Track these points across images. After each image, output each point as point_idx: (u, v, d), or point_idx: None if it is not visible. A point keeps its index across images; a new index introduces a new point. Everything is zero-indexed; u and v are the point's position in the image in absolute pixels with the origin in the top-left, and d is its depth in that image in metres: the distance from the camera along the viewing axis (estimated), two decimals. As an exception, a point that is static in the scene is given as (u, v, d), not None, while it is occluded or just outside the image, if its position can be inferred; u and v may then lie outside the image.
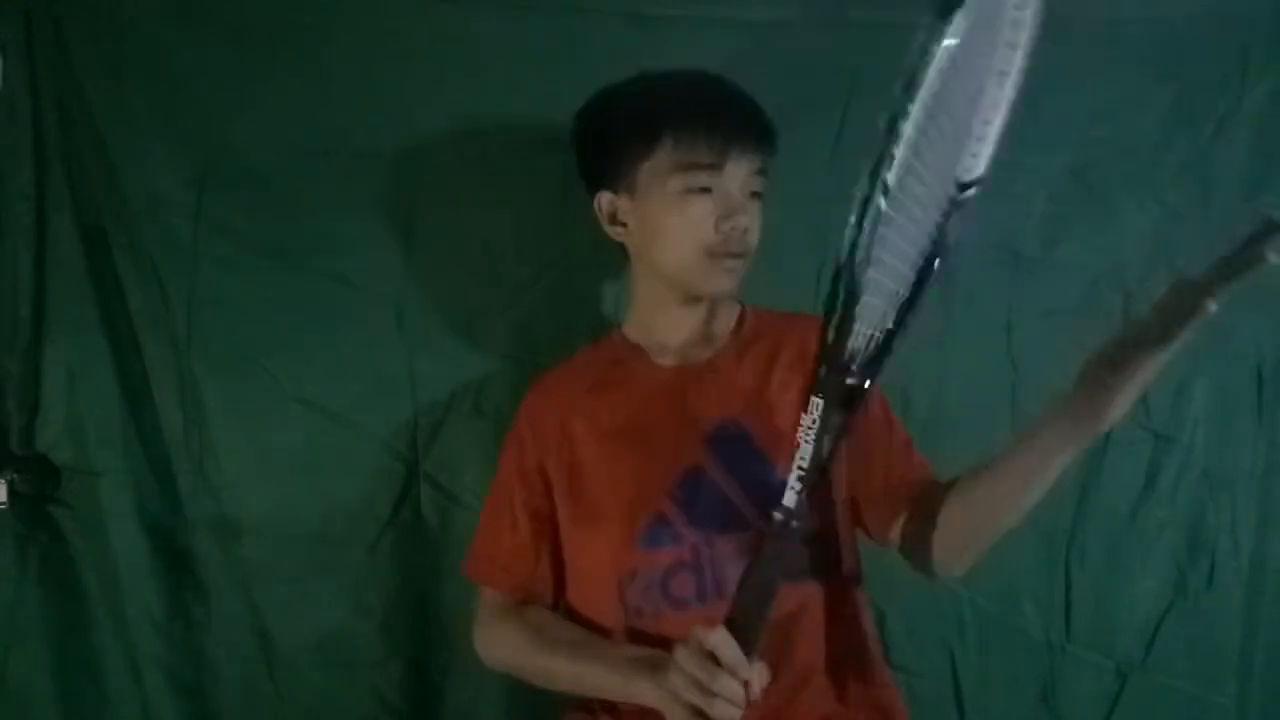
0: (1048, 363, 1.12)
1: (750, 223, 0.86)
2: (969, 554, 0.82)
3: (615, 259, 1.10)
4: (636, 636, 0.85)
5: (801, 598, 0.84)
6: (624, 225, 0.91)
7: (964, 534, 0.80)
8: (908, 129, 0.61)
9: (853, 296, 0.66)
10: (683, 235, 0.86)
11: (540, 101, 1.08)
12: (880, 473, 0.87)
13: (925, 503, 0.82)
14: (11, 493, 1.04)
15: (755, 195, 0.87)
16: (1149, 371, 0.61)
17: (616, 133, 0.89)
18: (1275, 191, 1.14)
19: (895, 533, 0.86)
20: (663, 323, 0.94)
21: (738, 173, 0.85)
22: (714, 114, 0.85)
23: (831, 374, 0.69)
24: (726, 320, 0.95)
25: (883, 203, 0.63)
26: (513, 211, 1.11)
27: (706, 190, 0.85)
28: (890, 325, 0.67)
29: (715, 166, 0.84)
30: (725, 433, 0.87)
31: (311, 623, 1.08)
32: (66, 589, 1.07)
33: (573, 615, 0.92)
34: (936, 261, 0.66)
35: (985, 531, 0.79)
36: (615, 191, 0.90)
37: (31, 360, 1.06)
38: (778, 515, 0.70)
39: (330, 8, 1.08)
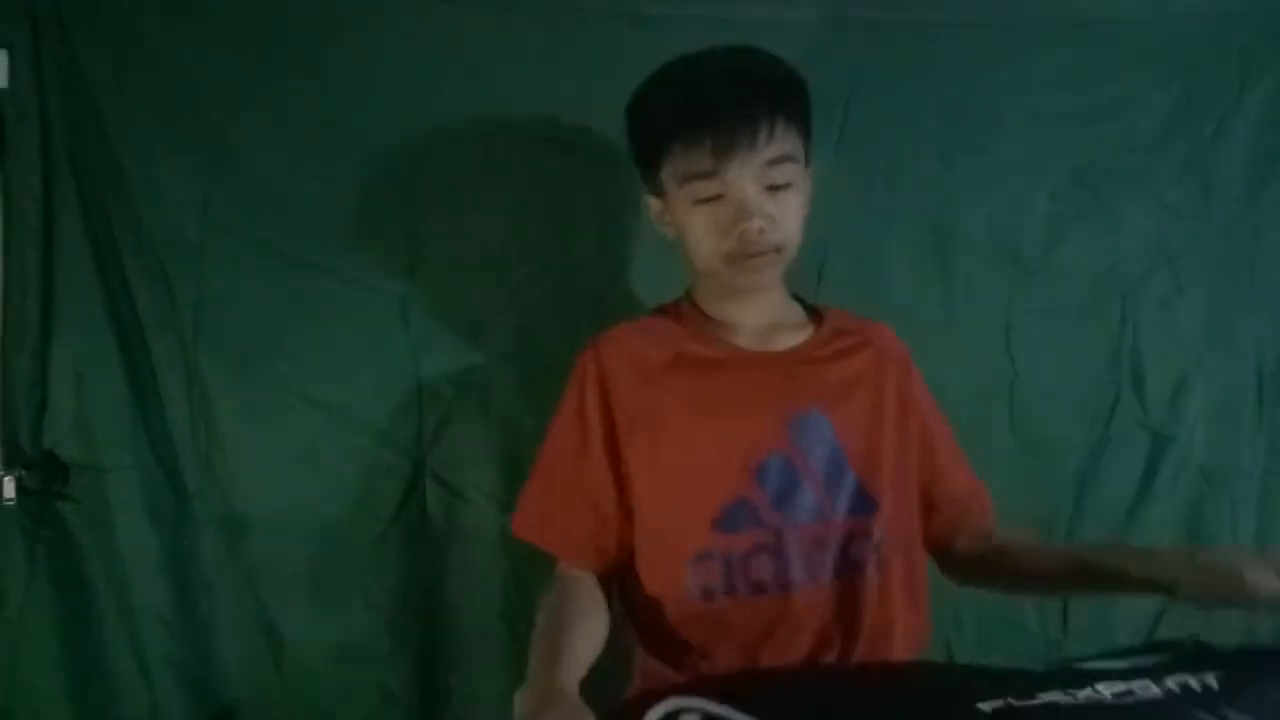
0: (1047, 362, 1.14)
1: (766, 221, 0.83)
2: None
3: (617, 257, 1.12)
4: (699, 617, 0.85)
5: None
6: (669, 225, 0.92)
7: (1005, 588, 0.93)
8: None
9: None
10: (701, 243, 0.86)
11: (540, 101, 1.09)
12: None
13: (979, 541, 0.92)
14: (20, 489, 1.05)
15: (778, 188, 0.84)
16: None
17: (638, 139, 0.91)
18: (1275, 191, 1.15)
19: (944, 548, 0.93)
20: (723, 309, 0.93)
21: (744, 172, 0.82)
22: (709, 120, 0.82)
23: None
24: (791, 313, 0.95)
25: None
26: (514, 210, 1.11)
27: (715, 198, 0.84)
28: None
29: (714, 174, 0.83)
30: (809, 423, 0.87)
31: (318, 618, 1.09)
32: (74, 585, 1.08)
33: (637, 587, 0.90)
34: None
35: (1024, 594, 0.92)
36: (654, 194, 0.91)
37: (39, 358, 1.06)
38: None
39: (332, 8, 1.09)
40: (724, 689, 0.68)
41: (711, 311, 0.94)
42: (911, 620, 0.89)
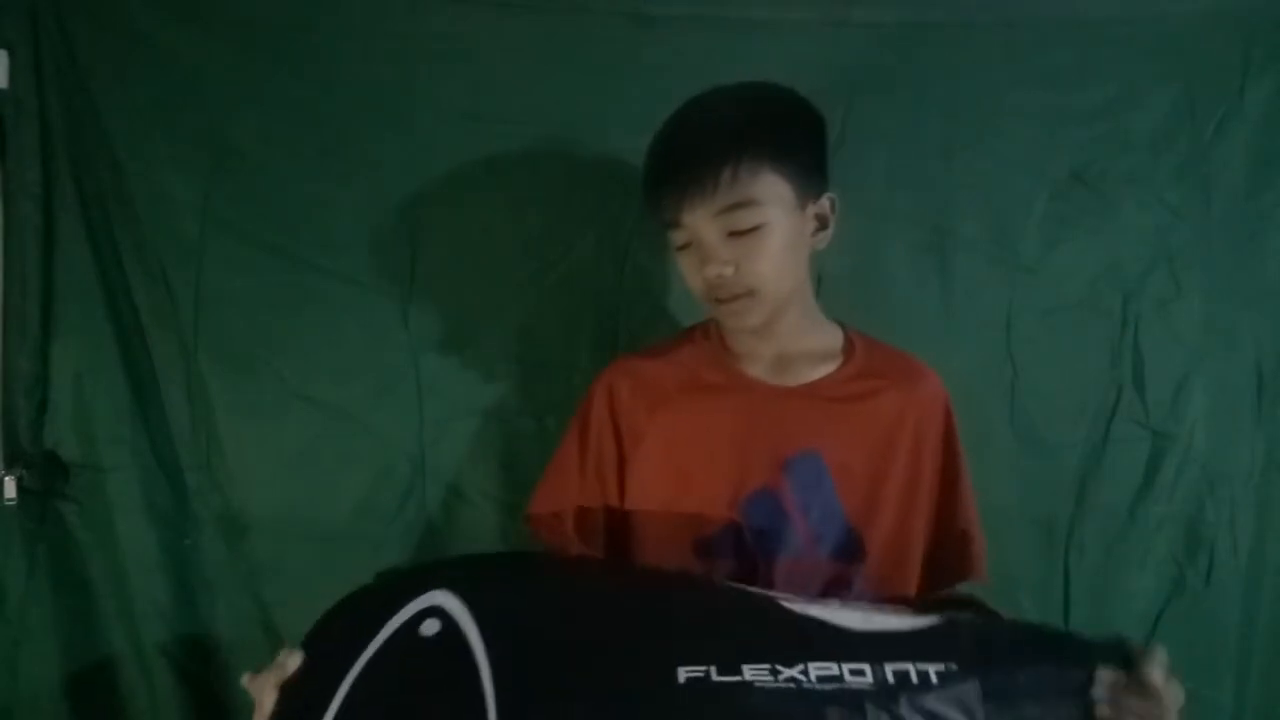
0: (1047, 362, 1.14)
1: (727, 267, 0.82)
2: None
3: (617, 256, 1.12)
4: None
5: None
6: None
7: None
8: None
9: None
10: (689, 284, 0.87)
11: (541, 101, 1.09)
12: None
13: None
14: (20, 489, 1.05)
15: (741, 233, 0.81)
16: None
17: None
18: (1275, 191, 1.15)
19: None
20: (740, 338, 0.92)
21: (699, 221, 0.82)
22: (666, 172, 0.83)
23: None
24: (817, 342, 0.92)
25: None
26: (515, 211, 1.11)
27: (686, 245, 0.84)
28: None
29: (674, 224, 0.84)
30: (805, 462, 0.87)
31: (318, 618, 1.09)
32: (75, 584, 1.08)
33: None
34: None
35: None
36: None
37: (40, 358, 1.07)
38: None
39: (332, 8, 1.09)
40: (470, 579, 0.72)
41: (730, 340, 0.93)
42: None
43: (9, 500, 1.05)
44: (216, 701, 1.10)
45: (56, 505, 1.08)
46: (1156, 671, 0.67)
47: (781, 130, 0.84)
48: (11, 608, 1.06)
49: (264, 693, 0.69)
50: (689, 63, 1.09)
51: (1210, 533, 1.15)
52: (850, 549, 0.87)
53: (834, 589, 0.86)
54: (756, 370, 0.91)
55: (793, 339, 0.91)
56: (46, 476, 1.07)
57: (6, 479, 1.05)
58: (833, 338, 0.93)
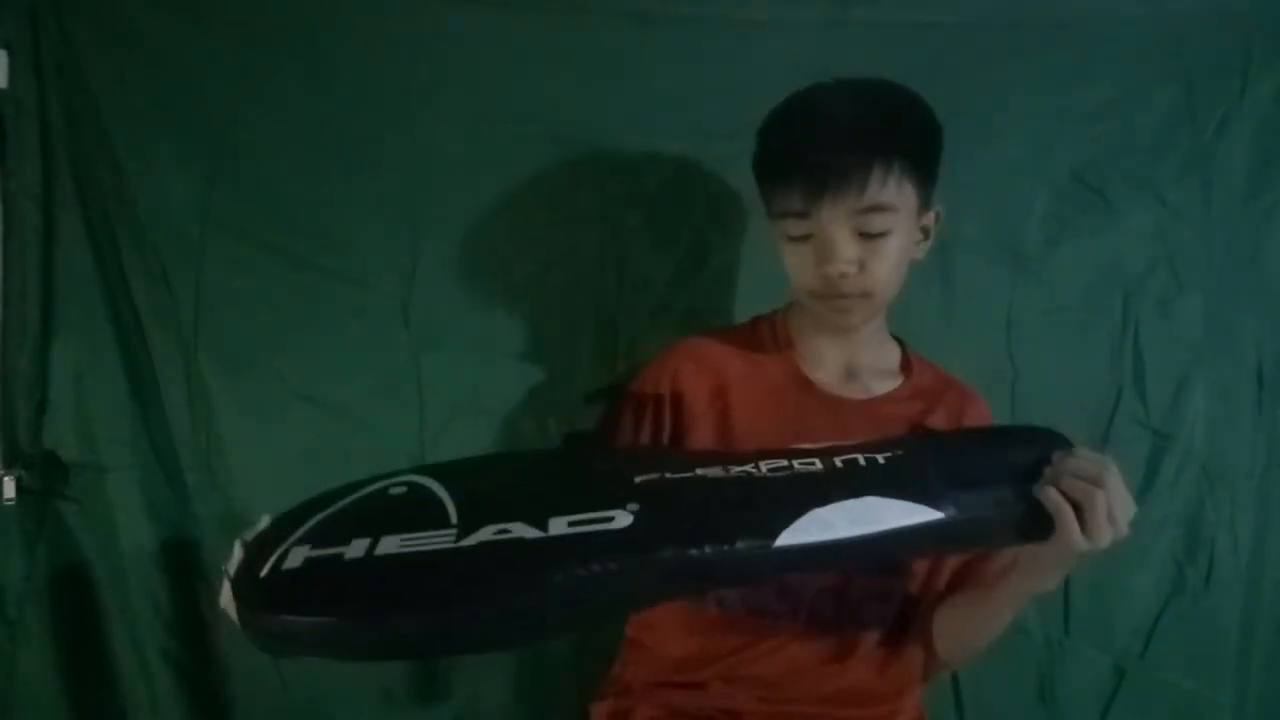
0: (1048, 361, 1.14)
1: (852, 267, 0.81)
2: (959, 653, 0.90)
3: (617, 256, 1.12)
4: (691, 624, 0.87)
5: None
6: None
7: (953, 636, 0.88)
8: None
9: None
10: (793, 277, 0.86)
11: (542, 101, 1.09)
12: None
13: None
14: (20, 489, 1.05)
15: (869, 236, 0.81)
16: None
17: (754, 165, 0.89)
18: (1276, 191, 1.15)
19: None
20: (809, 340, 0.92)
21: (834, 216, 0.80)
22: (803, 161, 0.81)
23: None
24: (882, 356, 0.93)
25: None
26: (516, 210, 1.11)
27: (805, 237, 0.82)
28: None
29: (804, 215, 0.81)
30: None
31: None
32: (74, 585, 1.08)
33: None
34: None
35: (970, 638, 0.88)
36: (770, 219, 0.90)
37: (39, 358, 1.06)
38: None
39: (332, 8, 1.09)
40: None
41: (798, 339, 0.93)
42: (884, 690, 0.89)
43: (8, 500, 1.04)
44: (216, 701, 1.10)
45: (56, 505, 1.07)
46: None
47: (921, 138, 0.84)
48: (11, 608, 1.06)
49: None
50: (689, 63, 1.09)
51: (1210, 532, 1.15)
52: (893, 567, 0.87)
53: (873, 602, 0.87)
54: (819, 375, 0.91)
55: (862, 349, 0.91)
56: (46, 476, 1.07)
57: (6, 479, 1.04)
58: (893, 353, 0.94)
